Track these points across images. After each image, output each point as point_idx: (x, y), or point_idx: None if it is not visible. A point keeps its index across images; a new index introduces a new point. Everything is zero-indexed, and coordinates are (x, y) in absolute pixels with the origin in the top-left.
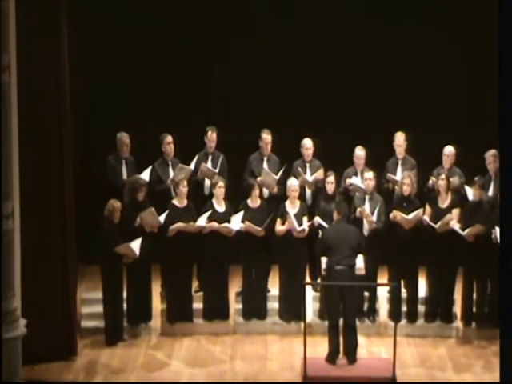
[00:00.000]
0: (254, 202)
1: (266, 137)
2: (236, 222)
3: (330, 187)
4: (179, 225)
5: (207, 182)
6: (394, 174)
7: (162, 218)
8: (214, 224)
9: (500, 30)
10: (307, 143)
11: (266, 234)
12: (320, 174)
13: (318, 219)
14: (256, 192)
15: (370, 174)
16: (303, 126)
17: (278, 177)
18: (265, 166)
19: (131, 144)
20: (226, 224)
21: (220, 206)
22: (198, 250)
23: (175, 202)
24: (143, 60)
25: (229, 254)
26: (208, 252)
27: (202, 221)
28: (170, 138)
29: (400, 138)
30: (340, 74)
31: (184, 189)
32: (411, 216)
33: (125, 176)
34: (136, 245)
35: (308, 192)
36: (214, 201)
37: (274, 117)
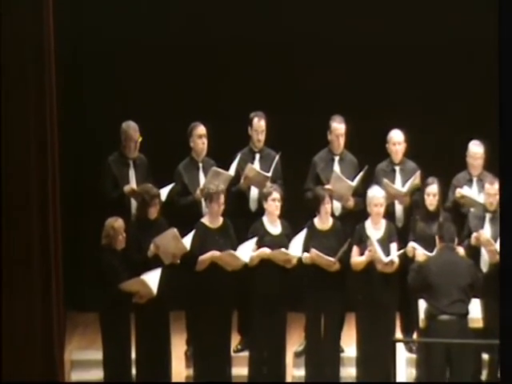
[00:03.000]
0: (323, 221)
1: (338, 127)
2: (297, 249)
3: (432, 201)
4: (213, 253)
5: (254, 191)
6: None
7: (187, 244)
8: (265, 250)
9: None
10: (397, 137)
11: (341, 267)
12: (417, 181)
13: (413, 246)
14: (327, 207)
15: (492, 184)
16: (390, 112)
17: (354, 184)
18: (336, 168)
19: (142, 138)
20: (282, 249)
21: (274, 227)
22: (239, 291)
23: (206, 220)
24: (157, 19)
25: (286, 295)
26: (255, 293)
27: (247, 249)
28: (202, 129)
29: None
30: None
31: (219, 202)
32: None
33: (133, 184)
34: (153, 278)
35: (399, 207)
36: (265, 219)
37: (349, 99)
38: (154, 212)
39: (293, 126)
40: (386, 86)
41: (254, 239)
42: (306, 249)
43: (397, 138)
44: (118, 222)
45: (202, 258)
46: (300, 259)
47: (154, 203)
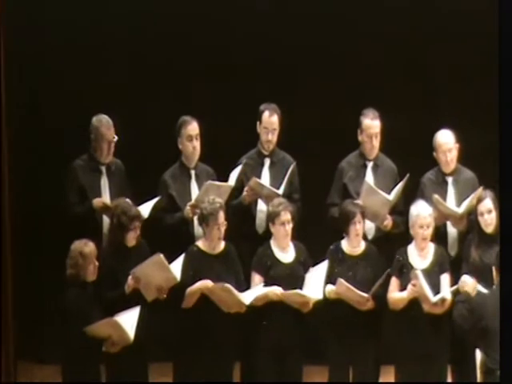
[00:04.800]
0: (353, 244)
1: (372, 124)
2: (317, 284)
3: (487, 220)
4: (205, 284)
5: (262, 206)
6: None
7: (176, 272)
8: (275, 290)
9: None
10: (447, 141)
11: (376, 305)
12: (478, 196)
13: (465, 281)
14: (358, 228)
15: None
16: (436, 105)
17: (392, 197)
18: (369, 177)
19: (118, 138)
20: (298, 290)
21: (285, 253)
22: (242, 336)
23: (202, 245)
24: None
25: (302, 343)
26: (262, 340)
27: (254, 287)
28: (193, 128)
29: None
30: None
31: (219, 222)
32: None
33: (105, 196)
34: (129, 320)
35: (452, 230)
36: (272, 243)
37: (384, 89)
38: (132, 238)
39: (314, 123)
40: (430, 77)
41: (262, 289)
42: (330, 279)
43: (447, 144)
44: (88, 247)
45: (189, 290)
46: (320, 300)
47: (133, 227)
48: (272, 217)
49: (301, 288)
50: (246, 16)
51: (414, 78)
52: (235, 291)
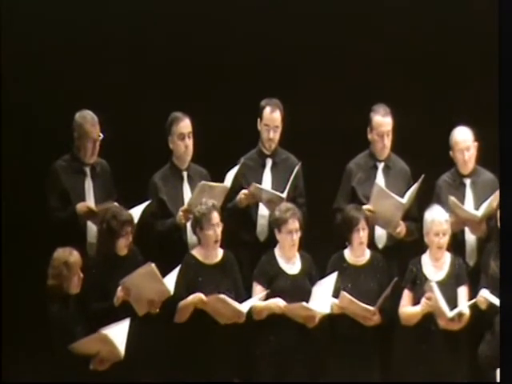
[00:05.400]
0: (357, 253)
1: (383, 121)
2: (324, 297)
3: None
4: (198, 297)
5: (263, 213)
6: None
7: (170, 285)
8: (278, 302)
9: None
10: (464, 139)
11: (382, 320)
12: (497, 199)
13: (484, 296)
14: (361, 236)
15: None
16: (451, 103)
17: (405, 201)
18: (380, 179)
19: (104, 136)
20: (303, 303)
21: (290, 263)
22: (242, 355)
23: (198, 253)
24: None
25: (306, 361)
26: (263, 359)
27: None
28: (185, 125)
29: None
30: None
31: (215, 225)
32: None
33: (90, 200)
34: (119, 334)
35: (471, 237)
36: (277, 253)
37: (397, 84)
38: (123, 246)
39: (314, 124)
40: (429, 77)
41: (260, 295)
42: (334, 294)
43: (465, 142)
44: (73, 257)
45: (182, 303)
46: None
47: (124, 233)
48: (278, 223)
49: (307, 302)
50: (246, 16)
51: (414, 77)
52: (231, 301)
